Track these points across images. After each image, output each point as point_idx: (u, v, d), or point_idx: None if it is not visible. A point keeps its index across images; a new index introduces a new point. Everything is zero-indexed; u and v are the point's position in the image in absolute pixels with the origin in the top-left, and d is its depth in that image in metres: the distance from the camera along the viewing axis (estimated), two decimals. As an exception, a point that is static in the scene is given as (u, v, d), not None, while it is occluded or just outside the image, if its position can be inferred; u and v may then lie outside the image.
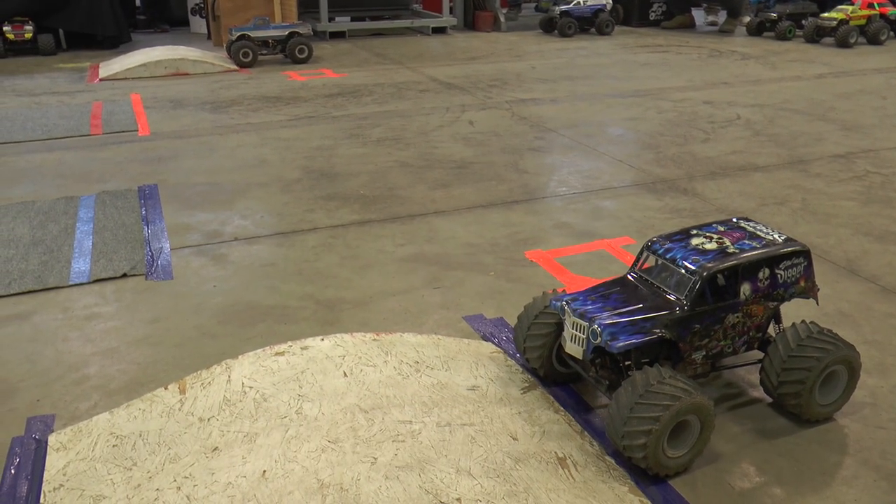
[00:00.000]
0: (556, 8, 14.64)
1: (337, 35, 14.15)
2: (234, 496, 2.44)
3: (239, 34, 11.23)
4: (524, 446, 2.73)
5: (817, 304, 3.32)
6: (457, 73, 10.66)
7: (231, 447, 2.66)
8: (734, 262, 2.94)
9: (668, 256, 3.02)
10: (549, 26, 14.75)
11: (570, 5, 14.52)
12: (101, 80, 10.35)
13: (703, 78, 10.43)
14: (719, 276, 2.94)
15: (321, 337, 3.31)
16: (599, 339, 2.83)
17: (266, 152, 6.89)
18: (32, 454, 2.85)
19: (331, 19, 14.32)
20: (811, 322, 3.10)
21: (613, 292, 3.05)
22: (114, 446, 2.81)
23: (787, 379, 2.98)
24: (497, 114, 8.31)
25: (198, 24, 14.88)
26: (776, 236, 3.12)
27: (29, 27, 11.96)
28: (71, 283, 4.35)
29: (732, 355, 3.17)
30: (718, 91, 9.54)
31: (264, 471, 2.52)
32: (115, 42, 12.91)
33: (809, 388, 2.96)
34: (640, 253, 3.16)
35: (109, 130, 7.71)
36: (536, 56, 12.33)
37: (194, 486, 2.50)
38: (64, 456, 2.81)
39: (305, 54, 11.51)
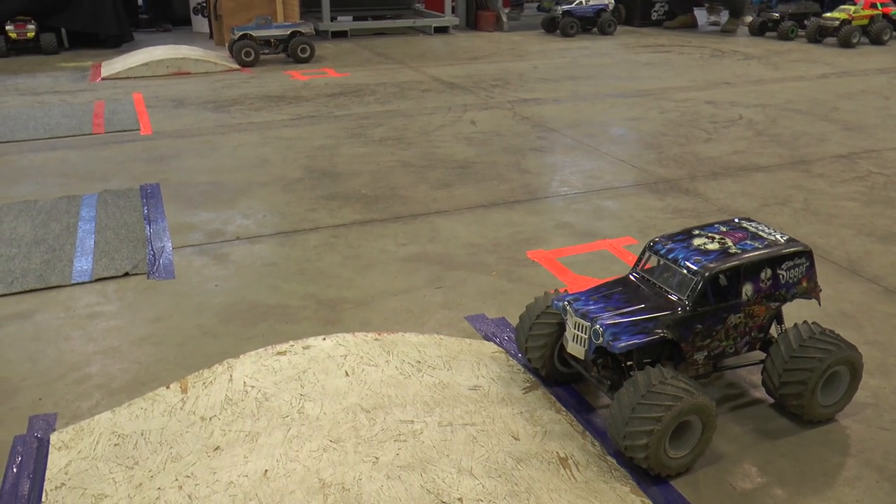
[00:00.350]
0: (559, 8, 14.64)
1: (339, 34, 14.15)
2: (236, 495, 2.44)
3: (241, 33, 11.23)
4: (526, 446, 2.73)
5: (819, 304, 3.31)
6: (459, 73, 10.66)
7: (233, 446, 2.66)
8: (736, 262, 2.94)
9: (670, 257, 3.02)
10: (552, 26, 14.75)
11: (573, 5, 14.51)
12: (103, 79, 10.36)
13: (705, 78, 10.42)
14: (721, 276, 2.93)
15: (323, 336, 3.31)
16: (601, 339, 2.82)
17: (268, 152, 6.89)
18: (34, 453, 2.85)
19: (333, 19, 14.32)
20: (813, 323, 3.10)
21: (615, 292, 3.05)
22: (115, 445, 2.81)
23: (789, 380, 2.97)
24: (499, 113, 8.31)
25: (200, 23, 14.88)
26: (778, 237, 3.12)
27: (31, 26, 11.97)
28: (73, 282, 4.35)
29: (734, 356, 3.16)
30: (720, 91, 9.53)
31: (266, 470, 2.52)
32: (118, 41, 12.91)
33: (811, 388, 2.95)
34: (642, 253, 3.15)
35: (111, 129, 7.71)
36: (538, 56, 12.32)
37: (196, 485, 2.50)
38: (66, 454, 2.81)
39: (307, 53, 11.50)
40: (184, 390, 3.04)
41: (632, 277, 3.14)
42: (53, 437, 2.91)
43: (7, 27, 11.85)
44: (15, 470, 2.76)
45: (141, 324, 3.89)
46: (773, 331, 3.22)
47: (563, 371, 3.23)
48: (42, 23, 12.14)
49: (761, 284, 3.01)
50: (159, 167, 6.43)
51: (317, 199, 5.66)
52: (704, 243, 3.06)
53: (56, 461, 2.77)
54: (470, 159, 6.62)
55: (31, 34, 11.98)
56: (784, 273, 3.05)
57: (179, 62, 10.70)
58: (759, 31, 14.47)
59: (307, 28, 11.69)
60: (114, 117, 8.17)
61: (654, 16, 16.12)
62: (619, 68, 11.19)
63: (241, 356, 3.22)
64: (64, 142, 7.27)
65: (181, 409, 2.94)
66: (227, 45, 11.79)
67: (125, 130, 7.67)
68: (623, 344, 2.78)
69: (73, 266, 4.53)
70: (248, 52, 11.16)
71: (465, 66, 11.23)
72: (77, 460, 2.78)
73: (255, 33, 11.34)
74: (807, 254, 3.11)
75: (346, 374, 2.97)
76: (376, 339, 3.29)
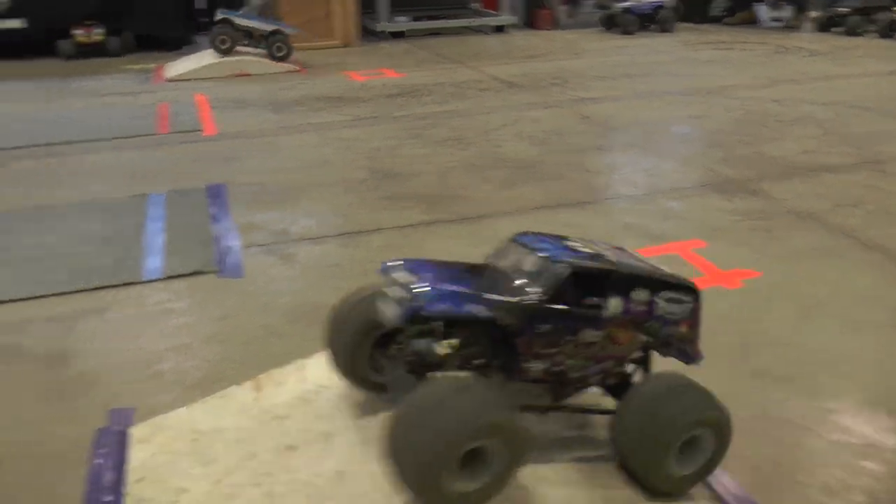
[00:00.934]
0: (617, 5, 14.48)
1: (397, 35, 14.20)
2: (311, 495, 2.46)
3: (222, 17, 10.86)
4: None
5: (695, 363, 2.71)
6: (517, 72, 10.61)
7: (308, 446, 2.68)
8: (608, 267, 2.50)
9: (534, 246, 2.57)
10: (609, 23, 14.60)
11: (631, 2, 14.35)
12: (166, 80, 10.58)
13: (768, 75, 10.18)
14: (587, 276, 2.44)
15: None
16: (420, 301, 2.34)
17: (329, 152, 6.95)
18: (116, 446, 2.91)
19: (390, 19, 14.38)
20: (679, 374, 2.59)
21: (461, 269, 2.61)
22: (193, 441, 2.86)
23: (636, 439, 2.44)
24: (559, 112, 8.25)
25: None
26: (666, 269, 2.69)
27: (98, 30, 12.30)
28: (144, 279, 4.45)
29: (582, 386, 2.65)
30: (786, 88, 9.30)
31: (341, 471, 2.53)
32: (180, 43, 13.17)
33: (661, 453, 2.41)
34: (505, 243, 2.72)
35: (175, 130, 7.87)
36: (596, 54, 12.21)
37: (273, 483, 2.53)
38: (146, 448, 2.86)
39: (283, 53, 11.18)
40: (257, 389, 3.08)
41: (486, 263, 2.68)
42: (133, 431, 2.96)
43: (75, 31, 12.20)
44: (99, 461, 2.82)
45: (209, 322, 3.96)
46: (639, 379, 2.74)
47: (373, 380, 2.76)
48: (109, 26, 12.46)
49: (632, 305, 2.51)
50: (223, 167, 6.53)
51: (379, 199, 5.68)
52: (578, 245, 2.64)
53: (137, 455, 2.82)
54: (532, 159, 6.58)
55: (97, 37, 12.31)
56: (662, 303, 2.55)
57: (240, 64, 10.86)
58: (825, 26, 14.10)
59: (290, 30, 11.41)
60: (177, 118, 8.34)
61: (714, 12, 15.84)
62: (679, 66, 11.02)
63: (314, 356, 3.24)
64: (130, 142, 7.45)
65: (255, 407, 2.98)
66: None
67: (188, 131, 7.82)
68: (441, 306, 2.31)
69: (144, 264, 4.63)
70: (224, 40, 10.82)
71: (522, 65, 11.18)
72: (157, 454, 2.82)
73: (236, 20, 10.96)
74: (694, 293, 2.62)
75: (418, 377, 2.98)
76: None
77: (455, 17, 15.51)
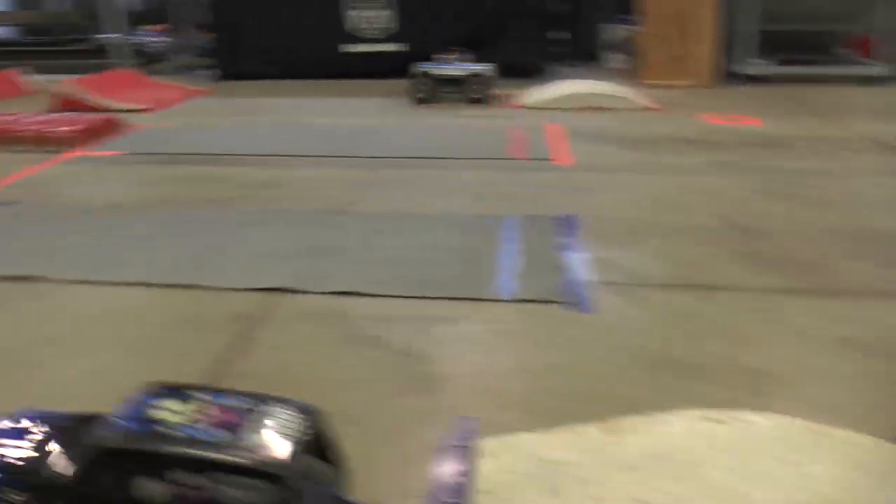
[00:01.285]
0: None
1: (756, 79, 13.50)
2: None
3: (420, 71, 11.31)
4: None
5: None
6: (893, 131, 9.52)
7: (658, 504, 2.63)
8: (136, 445, 2.23)
9: (120, 412, 2.39)
10: None
11: None
12: (518, 107, 11.10)
13: None
14: (128, 458, 2.23)
15: (758, 413, 3.12)
16: None
17: (680, 196, 6.79)
18: (463, 453, 3.06)
19: (750, 62, 13.72)
20: None
21: (47, 431, 2.48)
22: (538, 467, 2.94)
23: None
24: (947, 186, 7.28)
25: (611, 59, 15.22)
26: (276, 449, 2.22)
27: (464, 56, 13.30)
28: (494, 297, 4.66)
29: None
30: None
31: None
32: (536, 72, 13.71)
33: None
34: None
35: (527, 156, 8.22)
36: None
37: (620, 533, 2.52)
38: (492, 464, 2.99)
39: (479, 96, 11.16)
40: (608, 432, 3.08)
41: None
42: (480, 444, 3.10)
43: (437, 56, 13.31)
44: (446, 465, 2.97)
45: (557, 352, 4.04)
46: None
47: None
48: (477, 53, 13.37)
49: (178, 489, 2.19)
50: (575, 198, 6.66)
51: (732, 254, 5.41)
52: (169, 416, 2.32)
53: (483, 467, 2.96)
54: (914, 237, 5.85)
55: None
56: (230, 489, 2.17)
57: (595, 97, 11.02)
58: None
59: (488, 71, 11.29)
60: (530, 145, 8.69)
61: None
62: None
63: (669, 412, 3.17)
64: (483, 163, 7.94)
65: (604, 450, 2.98)
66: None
67: (540, 159, 8.12)
68: None
69: (495, 283, 4.86)
70: (420, 90, 11.19)
71: (901, 126, 10.02)
72: (502, 472, 2.95)
73: (432, 71, 11.27)
74: (272, 477, 2.16)
75: (785, 462, 2.78)
76: (817, 430, 3.02)
77: (822, 63, 14.37)
